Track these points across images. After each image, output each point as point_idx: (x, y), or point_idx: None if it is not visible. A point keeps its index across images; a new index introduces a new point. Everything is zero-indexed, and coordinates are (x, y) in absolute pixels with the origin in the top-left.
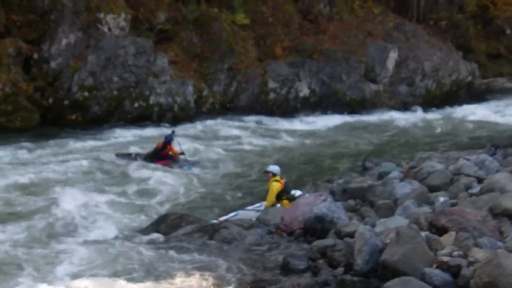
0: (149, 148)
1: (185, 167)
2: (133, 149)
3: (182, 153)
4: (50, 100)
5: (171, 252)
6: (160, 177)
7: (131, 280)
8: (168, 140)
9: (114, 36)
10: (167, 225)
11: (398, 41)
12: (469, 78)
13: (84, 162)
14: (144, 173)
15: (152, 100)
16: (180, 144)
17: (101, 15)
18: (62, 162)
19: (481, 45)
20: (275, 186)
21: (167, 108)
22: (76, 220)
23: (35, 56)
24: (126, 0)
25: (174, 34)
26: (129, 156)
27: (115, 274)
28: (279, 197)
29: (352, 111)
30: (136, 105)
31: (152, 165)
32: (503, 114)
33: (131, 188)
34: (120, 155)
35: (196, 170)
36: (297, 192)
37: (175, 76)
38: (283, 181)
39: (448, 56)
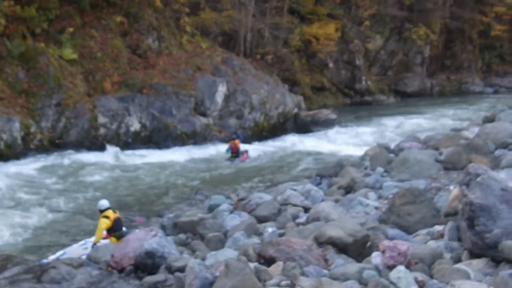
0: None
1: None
2: None
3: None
4: None
5: None
6: None
7: None
8: (240, 138)
9: None
10: None
11: (226, 75)
12: (295, 110)
13: None
14: None
15: None
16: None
17: None
18: None
19: (306, 78)
20: (103, 223)
21: None
22: None
23: None
24: None
25: None
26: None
27: None
28: (109, 233)
29: (183, 144)
30: None
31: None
32: (328, 145)
33: None
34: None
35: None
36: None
37: (1, 112)
38: (113, 217)
39: (275, 89)
